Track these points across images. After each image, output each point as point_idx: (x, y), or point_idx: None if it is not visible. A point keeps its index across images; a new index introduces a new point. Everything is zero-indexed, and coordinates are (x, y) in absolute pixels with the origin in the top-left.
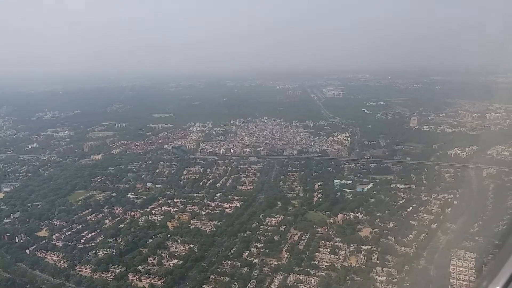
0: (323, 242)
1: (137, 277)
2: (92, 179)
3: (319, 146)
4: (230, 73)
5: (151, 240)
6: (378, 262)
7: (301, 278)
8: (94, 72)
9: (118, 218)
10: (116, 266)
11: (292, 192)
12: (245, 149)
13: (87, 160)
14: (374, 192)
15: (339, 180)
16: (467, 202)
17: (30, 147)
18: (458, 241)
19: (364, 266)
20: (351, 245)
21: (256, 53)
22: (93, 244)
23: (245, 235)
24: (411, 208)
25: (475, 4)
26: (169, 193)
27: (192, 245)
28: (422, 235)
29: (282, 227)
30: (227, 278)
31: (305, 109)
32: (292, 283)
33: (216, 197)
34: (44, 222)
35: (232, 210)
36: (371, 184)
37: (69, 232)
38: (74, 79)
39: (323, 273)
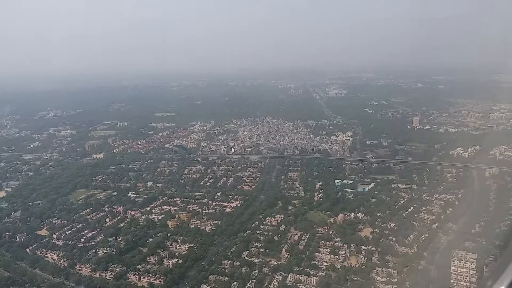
0: (323, 242)
1: (137, 276)
2: (93, 178)
3: (320, 145)
4: (232, 73)
5: (151, 240)
6: (378, 262)
7: (300, 278)
8: (95, 72)
9: (118, 217)
10: (115, 265)
11: (292, 191)
12: (246, 149)
13: (89, 159)
14: (375, 192)
15: (340, 180)
16: (468, 202)
17: (32, 146)
18: (459, 242)
19: (364, 266)
20: (351, 245)
21: (257, 52)
22: (93, 243)
23: (245, 234)
24: (412, 208)
25: (479, 3)
26: (169, 192)
27: (192, 245)
28: (423, 236)
29: (282, 227)
30: (227, 278)
31: (307, 109)
32: (292, 283)
33: (216, 197)
34: (45, 221)
35: (233, 209)
36: (372, 184)
37: (70, 231)
38: (76, 78)
39: (323, 273)
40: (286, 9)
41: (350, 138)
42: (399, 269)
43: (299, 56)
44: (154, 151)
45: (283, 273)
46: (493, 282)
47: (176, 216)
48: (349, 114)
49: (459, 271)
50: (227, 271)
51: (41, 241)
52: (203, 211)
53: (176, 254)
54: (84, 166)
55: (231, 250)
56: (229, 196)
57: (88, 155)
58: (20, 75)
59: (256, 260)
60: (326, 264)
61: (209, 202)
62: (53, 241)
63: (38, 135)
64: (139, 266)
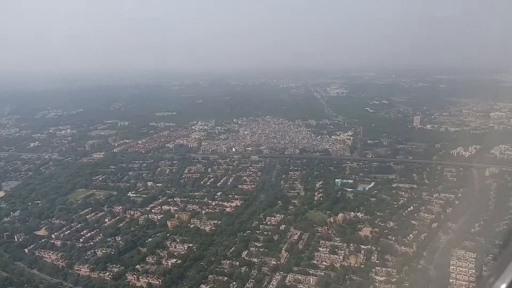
0: (323, 241)
1: (135, 276)
2: (93, 178)
3: (321, 145)
4: (233, 72)
5: (150, 239)
6: (377, 261)
7: (299, 277)
8: (96, 71)
9: (117, 217)
10: (114, 265)
11: (293, 191)
12: (247, 148)
13: (89, 158)
14: (376, 191)
15: (340, 179)
16: (468, 201)
17: (32, 145)
18: (459, 241)
19: (363, 265)
20: (351, 245)
21: (258, 52)
22: (92, 243)
23: (244, 234)
24: (412, 207)
25: (479, 3)
26: (169, 192)
27: (191, 245)
28: (422, 235)
29: (282, 227)
30: (226, 278)
31: (308, 108)
32: (291, 283)
33: (216, 196)
34: (44, 221)
35: (232, 209)
36: (372, 183)
37: (68, 231)
38: (77, 77)
39: (322, 273)
40: (286, 9)
41: (351, 138)
42: (398, 268)
43: (300, 56)
44: (155, 150)
45: (282, 272)
46: (493, 282)
47: (176, 216)
48: (350, 113)
49: (458, 270)
50: (226, 271)
51: (40, 241)
52: (203, 211)
53: (175, 254)
54: (84, 165)
55: (230, 250)
56: (229, 196)
57: (88, 154)
58: (21, 75)
59: (256, 259)
60: (326, 263)
61: (209, 201)
62: (52, 241)
63: (38, 135)
64: (138, 266)
